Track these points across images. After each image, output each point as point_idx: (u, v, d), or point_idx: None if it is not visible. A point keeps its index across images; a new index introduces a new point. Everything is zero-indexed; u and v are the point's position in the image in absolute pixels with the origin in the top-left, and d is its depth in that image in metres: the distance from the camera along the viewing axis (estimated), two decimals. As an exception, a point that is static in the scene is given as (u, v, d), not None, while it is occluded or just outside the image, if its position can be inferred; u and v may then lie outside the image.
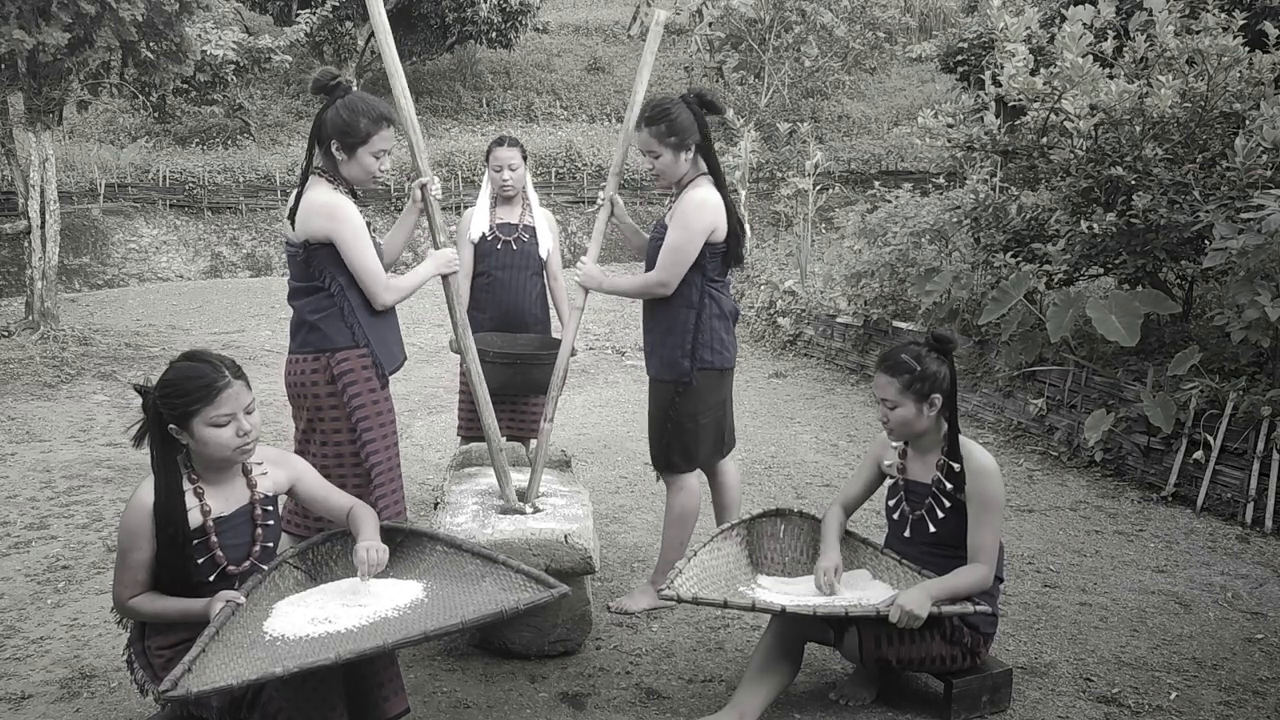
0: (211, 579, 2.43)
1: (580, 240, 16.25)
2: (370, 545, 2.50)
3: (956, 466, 2.82)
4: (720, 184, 3.37)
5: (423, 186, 3.19)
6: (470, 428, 4.31)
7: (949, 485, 2.83)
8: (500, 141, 4.26)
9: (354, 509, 2.65)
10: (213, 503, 2.44)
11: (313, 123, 3.03)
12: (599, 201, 3.52)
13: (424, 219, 3.27)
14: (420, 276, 3.18)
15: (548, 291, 4.39)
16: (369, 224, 3.08)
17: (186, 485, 2.41)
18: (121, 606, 2.43)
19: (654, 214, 3.79)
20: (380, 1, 3.11)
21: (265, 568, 2.53)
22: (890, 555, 2.97)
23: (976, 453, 2.83)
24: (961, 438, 2.85)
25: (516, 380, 4.00)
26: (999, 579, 2.85)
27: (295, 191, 3.03)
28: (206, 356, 2.43)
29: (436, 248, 3.24)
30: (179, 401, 2.35)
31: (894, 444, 2.97)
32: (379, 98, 3.09)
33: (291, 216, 3.00)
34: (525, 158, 4.28)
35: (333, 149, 2.99)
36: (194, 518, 2.40)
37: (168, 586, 2.42)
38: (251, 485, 2.53)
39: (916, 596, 2.65)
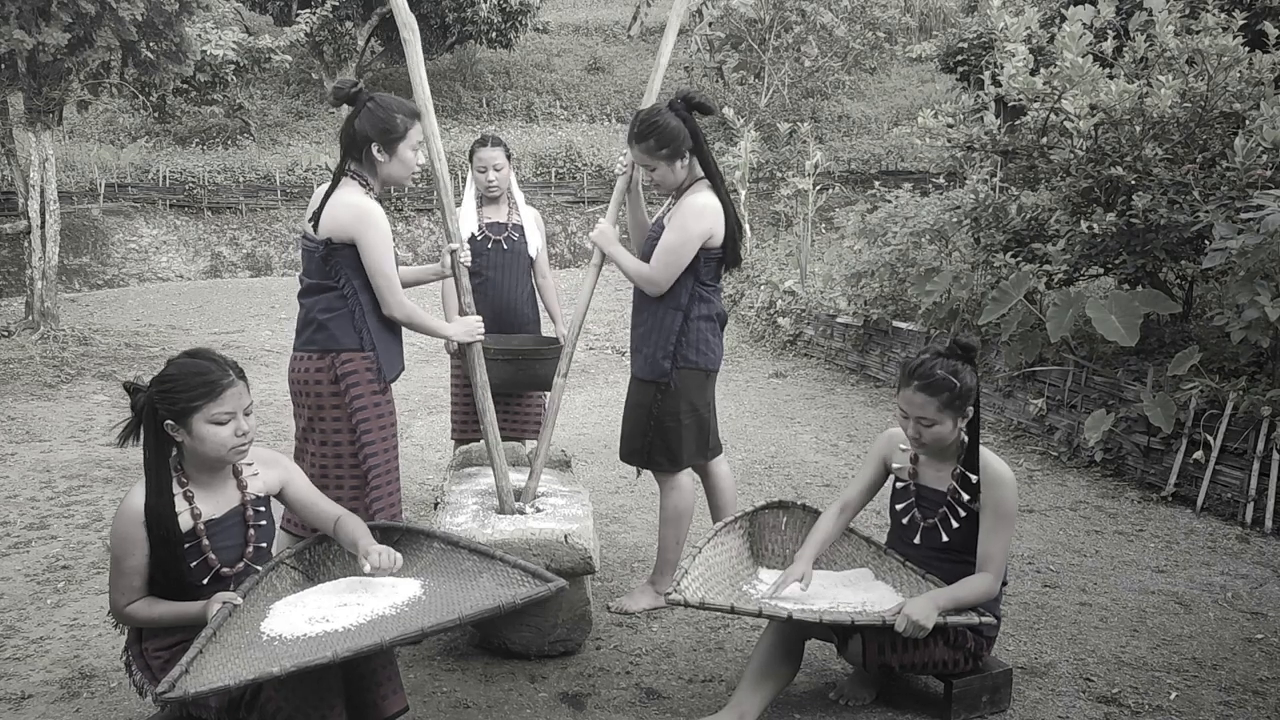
0: (205, 582, 2.43)
1: (580, 240, 16.26)
2: (382, 549, 2.49)
3: (974, 478, 2.79)
4: (719, 186, 3.37)
5: (452, 253, 3.24)
6: (464, 430, 4.30)
7: (965, 496, 2.81)
8: (484, 142, 4.22)
9: (341, 519, 2.63)
10: (203, 506, 2.44)
11: (343, 134, 3.03)
12: (620, 165, 3.49)
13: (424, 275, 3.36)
14: (435, 328, 3.21)
15: (536, 290, 4.38)
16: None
17: (176, 489, 2.41)
18: (119, 613, 2.43)
19: (657, 211, 3.80)
20: (424, 79, 3.14)
21: (260, 569, 2.53)
22: (894, 556, 2.97)
23: (993, 462, 2.80)
24: (980, 446, 2.82)
25: (520, 377, 3.99)
26: (1003, 583, 2.84)
27: (324, 190, 3.01)
28: (210, 355, 2.44)
29: (462, 313, 3.29)
30: (181, 397, 2.35)
31: (903, 447, 2.95)
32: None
33: (315, 215, 2.99)
34: (509, 157, 4.26)
35: (373, 151, 2.99)
36: (184, 521, 2.40)
37: (163, 590, 2.41)
38: (242, 486, 2.52)
39: (923, 607, 2.63)
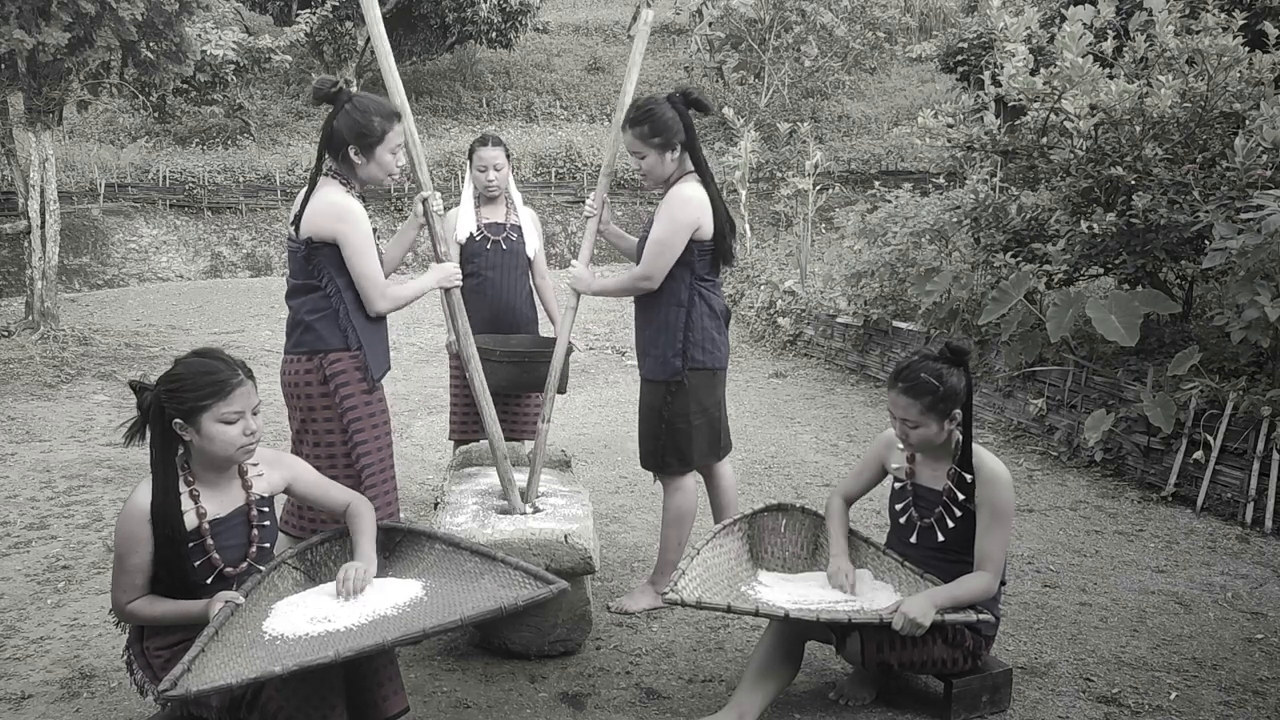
0: (209, 581, 2.43)
1: (580, 240, 16.26)
2: (358, 566, 2.51)
3: (969, 477, 2.79)
4: (708, 182, 3.37)
5: (424, 201, 3.21)
6: (464, 430, 4.29)
7: (960, 495, 2.81)
8: (484, 141, 4.21)
9: (352, 505, 2.66)
10: (208, 505, 2.44)
11: (322, 132, 3.02)
12: (588, 207, 3.52)
13: (424, 233, 3.28)
14: (419, 288, 3.18)
15: (534, 291, 4.38)
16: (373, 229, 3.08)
17: (182, 487, 2.41)
18: (121, 611, 2.43)
19: (651, 214, 3.81)
20: (379, 19, 3.13)
21: (263, 568, 2.53)
22: (892, 556, 2.97)
23: (989, 460, 2.80)
24: (974, 445, 2.83)
25: (524, 379, 3.99)
26: (1001, 582, 2.84)
27: (303, 192, 3.02)
28: (220, 354, 2.45)
29: (439, 260, 3.25)
30: (190, 396, 2.35)
31: (900, 447, 2.96)
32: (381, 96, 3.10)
33: (297, 219, 2.99)
34: (509, 156, 4.25)
35: (350, 153, 2.99)
36: (189, 520, 2.40)
37: (166, 588, 2.42)
38: (247, 486, 2.53)
39: (921, 605, 2.63)
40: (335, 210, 2.94)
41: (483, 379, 3.29)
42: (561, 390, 3.65)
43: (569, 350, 3.65)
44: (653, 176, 3.38)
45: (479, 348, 3.83)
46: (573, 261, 3.55)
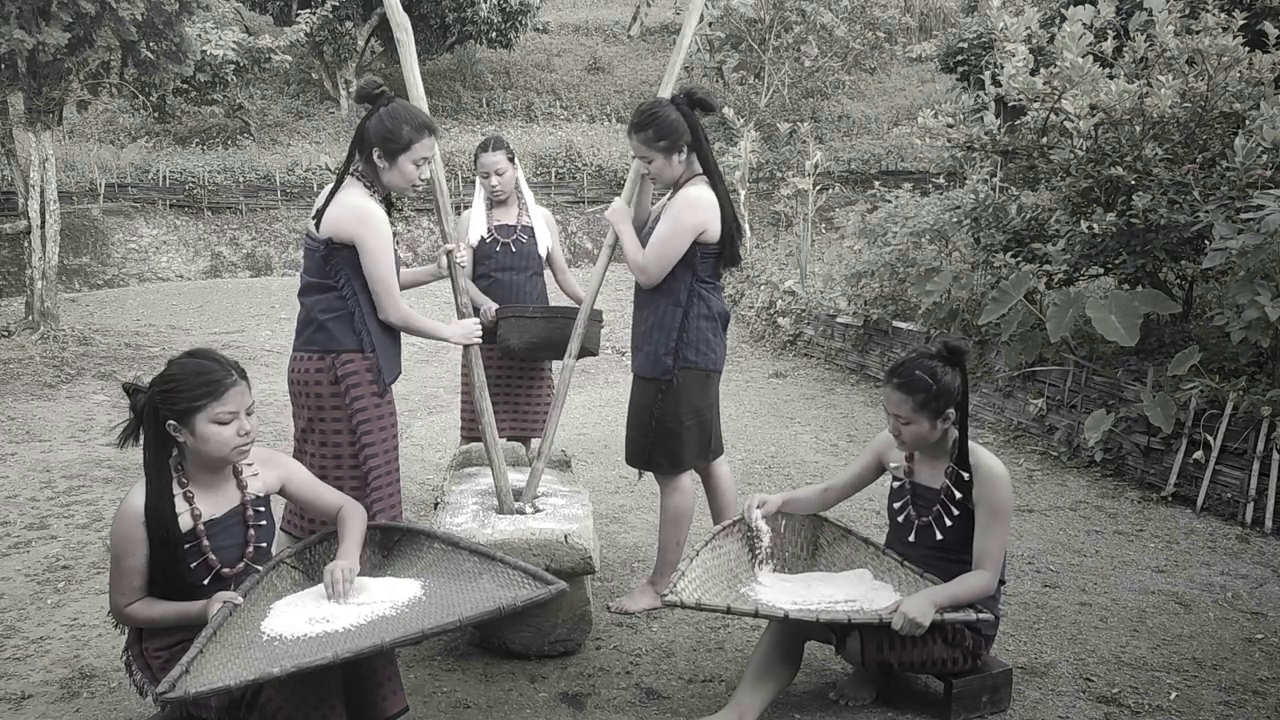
0: (206, 582, 2.43)
1: (580, 240, 16.25)
2: (341, 565, 2.45)
3: (966, 475, 2.80)
4: (717, 184, 3.36)
5: (448, 253, 3.25)
6: (472, 429, 4.29)
7: (958, 494, 2.81)
8: (485, 146, 4.21)
9: (344, 508, 2.65)
10: (203, 506, 2.44)
11: (355, 130, 3.05)
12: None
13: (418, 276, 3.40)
14: (433, 332, 3.20)
15: (548, 289, 4.38)
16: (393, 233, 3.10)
17: (176, 489, 2.41)
18: (119, 614, 2.43)
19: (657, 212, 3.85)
20: (416, 70, 3.19)
21: (260, 569, 2.53)
22: (892, 556, 2.97)
23: (986, 459, 2.81)
24: (971, 443, 2.83)
25: (556, 336, 3.92)
26: (1001, 581, 2.84)
27: (328, 190, 3.03)
28: (212, 355, 2.44)
29: (460, 316, 3.29)
30: (184, 396, 2.35)
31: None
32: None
33: (318, 215, 3.00)
34: (513, 158, 4.25)
35: (375, 156, 3.00)
36: (184, 521, 2.40)
37: (164, 590, 2.41)
38: (242, 487, 2.52)
39: (920, 604, 2.63)
40: (356, 214, 2.96)
41: (484, 379, 3.30)
42: (593, 352, 3.65)
43: (599, 317, 3.63)
44: (661, 180, 3.38)
45: (510, 310, 3.91)
46: (616, 197, 3.51)
